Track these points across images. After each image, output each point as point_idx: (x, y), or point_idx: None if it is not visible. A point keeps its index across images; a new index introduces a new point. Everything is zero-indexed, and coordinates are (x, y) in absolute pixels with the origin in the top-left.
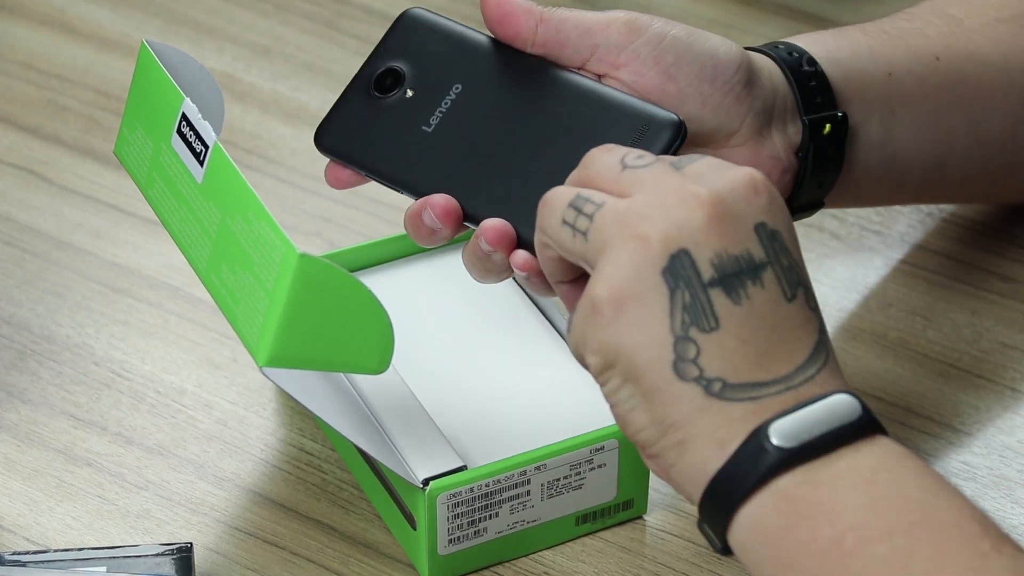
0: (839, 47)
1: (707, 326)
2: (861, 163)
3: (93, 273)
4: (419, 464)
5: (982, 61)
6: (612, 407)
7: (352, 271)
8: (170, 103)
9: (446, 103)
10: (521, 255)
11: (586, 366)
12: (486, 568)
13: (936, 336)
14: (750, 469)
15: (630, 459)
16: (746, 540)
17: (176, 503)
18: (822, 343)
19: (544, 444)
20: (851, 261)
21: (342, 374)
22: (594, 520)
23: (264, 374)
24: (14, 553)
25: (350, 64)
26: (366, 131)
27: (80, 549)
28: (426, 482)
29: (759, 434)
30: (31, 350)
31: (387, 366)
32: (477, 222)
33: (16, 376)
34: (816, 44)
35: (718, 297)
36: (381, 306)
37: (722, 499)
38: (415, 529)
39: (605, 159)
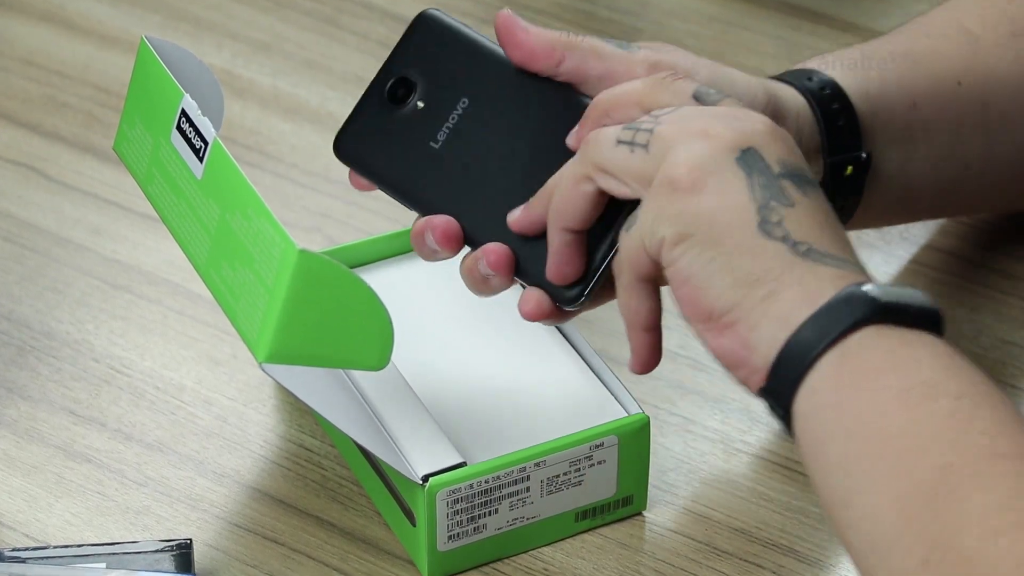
0: (869, 78)
1: (785, 202)
2: (877, 194)
3: (92, 269)
4: (419, 460)
5: (1001, 81)
6: (683, 284)
7: (352, 267)
8: (170, 99)
9: (453, 118)
10: (531, 300)
11: (652, 253)
12: (486, 564)
13: None
14: (844, 315)
15: (630, 456)
16: (819, 389)
17: (175, 499)
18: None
19: (544, 440)
20: None
21: (342, 370)
22: (593, 516)
23: (264, 370)
24: (14, 549)
25: (350, 61)
26: (379, 143)
27: (80, 545)
28: (426, 478)
29: (853, 287)
30: (30, 346)
31: (387, 362)
32: (478, 245)
33: (15, 372)
34: (846, 74)
35: (788, 187)
36: (381, 303)
37: (805, 347)
38: (415, 525)
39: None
